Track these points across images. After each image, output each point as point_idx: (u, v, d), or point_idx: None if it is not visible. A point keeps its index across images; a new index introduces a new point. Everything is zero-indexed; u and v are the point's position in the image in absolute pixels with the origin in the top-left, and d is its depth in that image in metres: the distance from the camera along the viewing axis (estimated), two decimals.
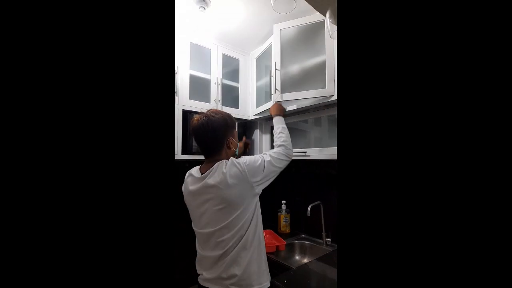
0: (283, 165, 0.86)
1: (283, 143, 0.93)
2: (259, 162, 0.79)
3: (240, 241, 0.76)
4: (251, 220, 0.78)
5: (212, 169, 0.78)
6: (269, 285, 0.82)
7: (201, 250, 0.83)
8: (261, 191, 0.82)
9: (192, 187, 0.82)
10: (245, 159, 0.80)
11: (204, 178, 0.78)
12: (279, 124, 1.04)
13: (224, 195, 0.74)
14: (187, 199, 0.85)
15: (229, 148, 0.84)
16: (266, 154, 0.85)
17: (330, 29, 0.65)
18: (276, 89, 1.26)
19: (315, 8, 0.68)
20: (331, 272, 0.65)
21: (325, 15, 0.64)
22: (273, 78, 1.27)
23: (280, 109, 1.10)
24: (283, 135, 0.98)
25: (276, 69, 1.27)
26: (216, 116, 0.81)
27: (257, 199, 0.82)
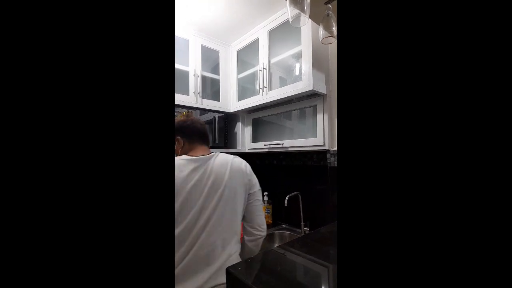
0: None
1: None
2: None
3: None
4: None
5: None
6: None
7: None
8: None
9: None
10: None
11: None
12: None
13: None
14: None
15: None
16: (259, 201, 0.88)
17: (290, 13, 0.65)
18: (264, 86, 1.32)
19: None
20: (291, 255, 0.67)
21: None
22: (260, 76, 1.33)
23: None
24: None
25: (264, 68, 1.32)
26: None
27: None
